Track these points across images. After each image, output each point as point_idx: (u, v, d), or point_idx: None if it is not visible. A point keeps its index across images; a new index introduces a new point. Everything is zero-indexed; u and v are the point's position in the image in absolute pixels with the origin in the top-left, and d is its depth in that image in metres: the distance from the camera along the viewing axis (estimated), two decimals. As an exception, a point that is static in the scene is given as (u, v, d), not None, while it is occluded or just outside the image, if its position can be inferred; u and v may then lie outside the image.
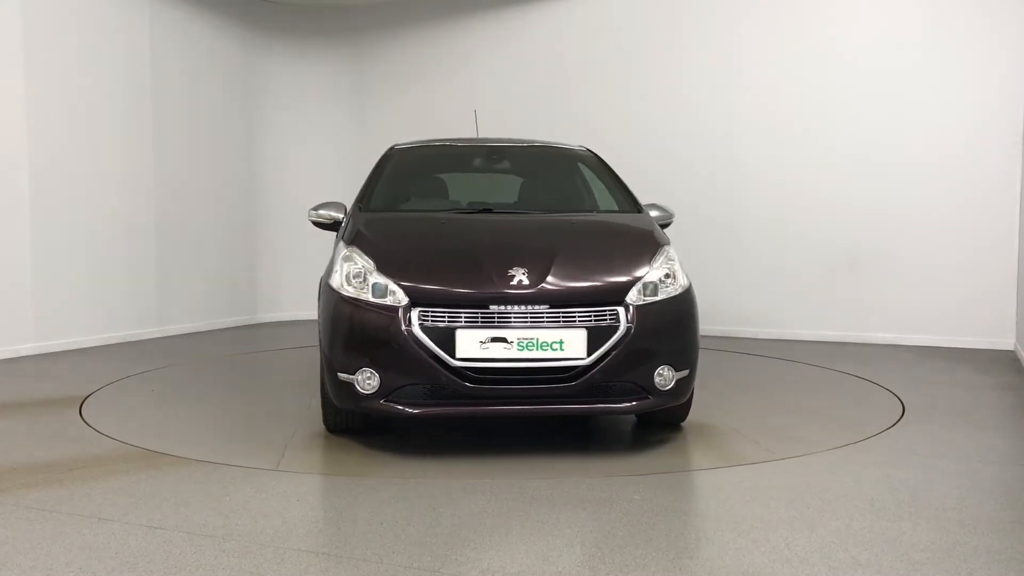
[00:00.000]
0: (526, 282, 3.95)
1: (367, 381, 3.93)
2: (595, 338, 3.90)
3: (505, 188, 5.67)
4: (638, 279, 4.08)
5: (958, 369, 6.41)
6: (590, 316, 3.94)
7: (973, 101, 7.38)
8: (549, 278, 3.99)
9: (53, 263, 7.34)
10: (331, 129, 10.09)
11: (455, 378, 3.85)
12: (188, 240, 8.77)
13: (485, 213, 4.82)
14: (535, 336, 3.87)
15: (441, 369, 3.85)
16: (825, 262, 7.97)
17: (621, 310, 3.97)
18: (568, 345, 3.87)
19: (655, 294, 4.08)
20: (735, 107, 8.27)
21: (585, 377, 3.89)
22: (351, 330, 4.04)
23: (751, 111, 8.19)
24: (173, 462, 3.94)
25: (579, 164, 5.46)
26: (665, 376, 4.03)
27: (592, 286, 4.07)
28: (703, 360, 7.17)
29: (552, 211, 4.96)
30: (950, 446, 4.19)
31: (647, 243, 4.37)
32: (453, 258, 4.21)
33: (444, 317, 3.89)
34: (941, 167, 7.49)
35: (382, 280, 4.02)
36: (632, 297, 4.02)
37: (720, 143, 8.33)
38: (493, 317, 3.89)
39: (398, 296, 3.96)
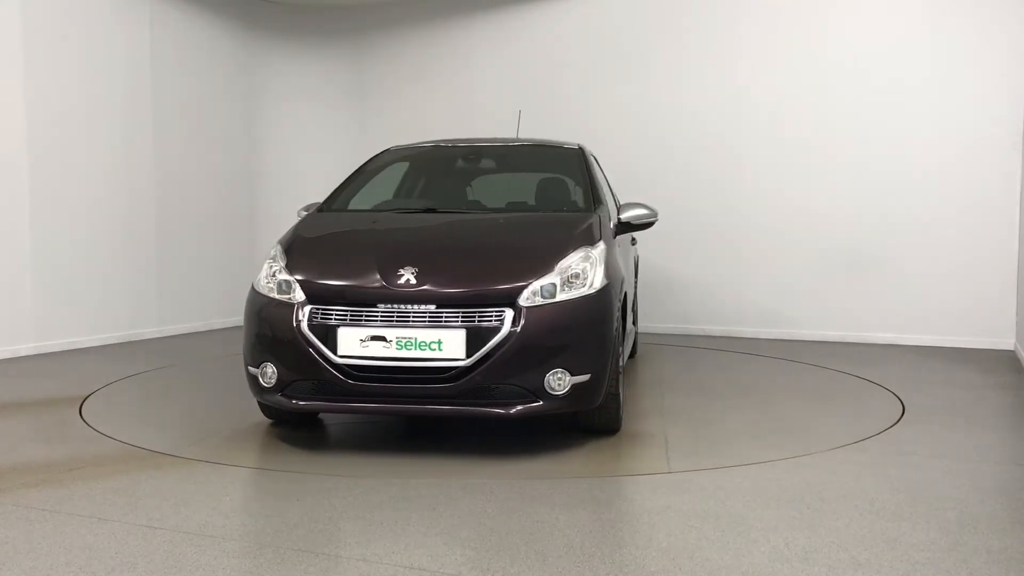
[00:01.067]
0: (413, 281, 3.98)
1: (270, 376, 4.11)
2: (475, 339, 3.85)
3: (480, 187, 5.68)
4: (535, 280, 3.99)
5: (958, 369, 6.41)
6: (473, 317, 3.90)
7: (973, 101, 7.38)
8: (437, 278, 4.00)
9: (53, 263, 7.34)
10: (331, 129, 10.08)
11: (338, 375, 3.93)
12: (188, 240, 8.77)
13: (428, 212, 4.86)
14: (414, 336, 3.87)
15: (325, 365, 3.93)
16: (825, 262, 7.96)
17: (509, 311, 3.89)
18: (447, 346, 3.84)
19: (553, 296, 3.97)
20: (735, 108, 8.26)
21: (466, 379, 3.85)
22: (257, 325, 4.23)
23: (751, 112, 8.19)
24: (173, 462, 3.94)
25: (564, 162, 5.44)
26: (562, 380, 3.90)
27: (480, 287, 3.99)
28: (704, 360, 7.15)
29: (500, 210, 5.02)
30: (950, 446, 4.19)
31: (566, 244, 4.23)
32: (354, 257, 4.29)
33: (331, 314, 3.99)
34: (941, 167, 7.49)
35: (287, 277, 4.19)
36: (524, 298, 3.93)
37: (720, 144, 8.33)
38: (376, 316, 3.94)
39: (296, 293, 4.11)
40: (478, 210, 5.04)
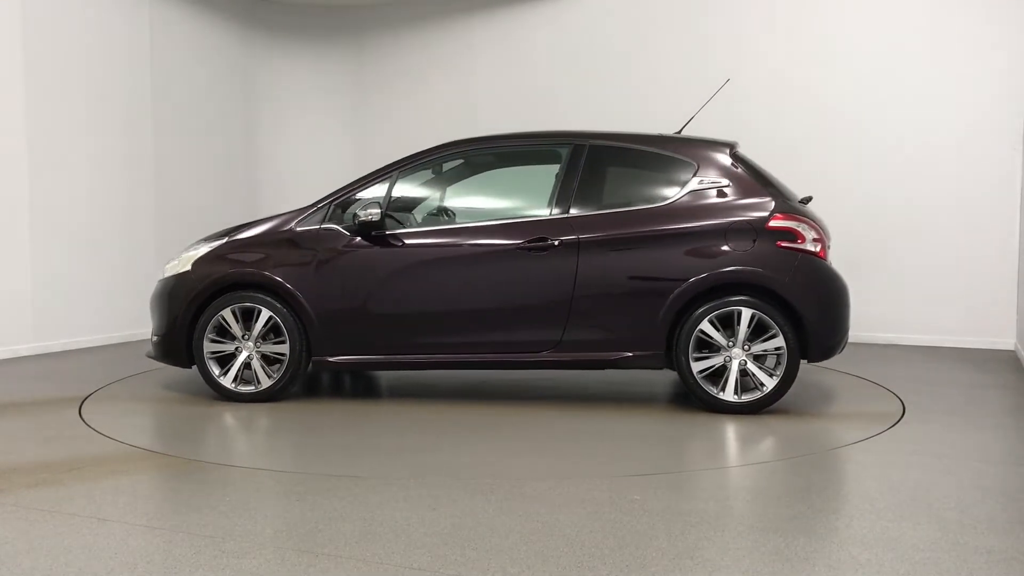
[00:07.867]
0: None
1: None
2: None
3: None
4: (171, 263, 5.44)
5: (958, 369, 6.41)
6: None
7: (973, 101, 7.38)
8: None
9: (53, 263, 7.34)
10: (331, 128, 10.08)
11: None
12: (188, 239, 8.73)
13: None
14: None
15: None
16: (825, 262, 7.95)
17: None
18: None
19: (163, 275, 5.45)
20: (734, 107, 8.25)
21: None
22: None
23: (750, 111, 8.18)
24: (173, 462, 3.94)
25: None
26: (153, 337, 5.39)
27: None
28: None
29: None
30: (950, 446, 4.19)
31: (211, 238, 5.43)
32: None
33: None
34: (941, 166, 7.49)
35: None
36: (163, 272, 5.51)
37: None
38: None
39: None
40: None
